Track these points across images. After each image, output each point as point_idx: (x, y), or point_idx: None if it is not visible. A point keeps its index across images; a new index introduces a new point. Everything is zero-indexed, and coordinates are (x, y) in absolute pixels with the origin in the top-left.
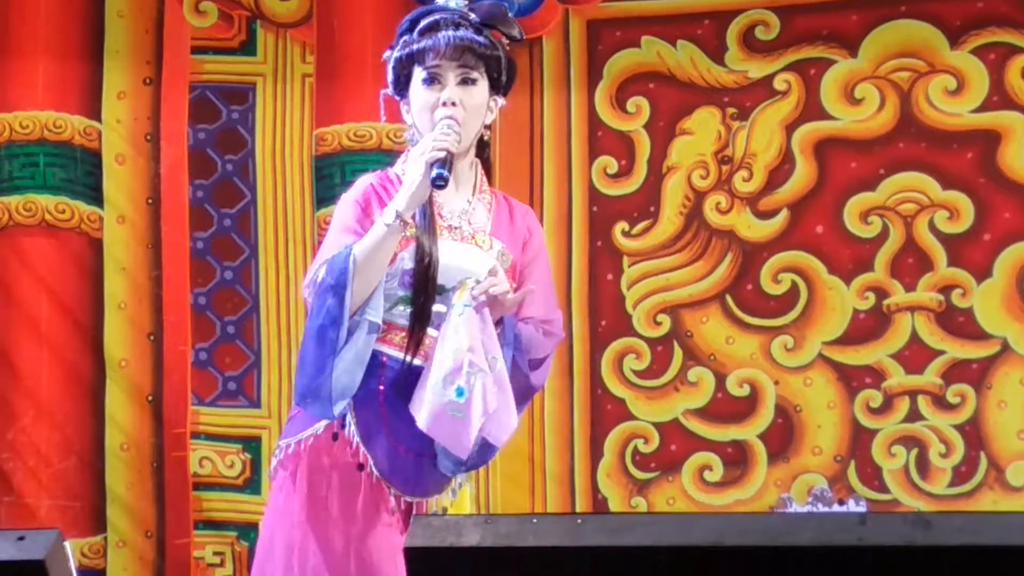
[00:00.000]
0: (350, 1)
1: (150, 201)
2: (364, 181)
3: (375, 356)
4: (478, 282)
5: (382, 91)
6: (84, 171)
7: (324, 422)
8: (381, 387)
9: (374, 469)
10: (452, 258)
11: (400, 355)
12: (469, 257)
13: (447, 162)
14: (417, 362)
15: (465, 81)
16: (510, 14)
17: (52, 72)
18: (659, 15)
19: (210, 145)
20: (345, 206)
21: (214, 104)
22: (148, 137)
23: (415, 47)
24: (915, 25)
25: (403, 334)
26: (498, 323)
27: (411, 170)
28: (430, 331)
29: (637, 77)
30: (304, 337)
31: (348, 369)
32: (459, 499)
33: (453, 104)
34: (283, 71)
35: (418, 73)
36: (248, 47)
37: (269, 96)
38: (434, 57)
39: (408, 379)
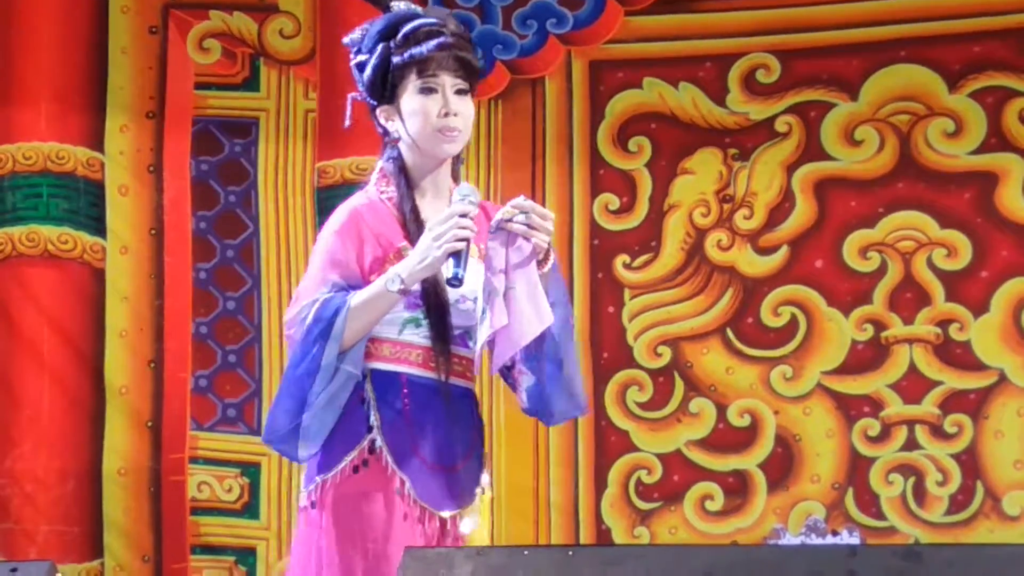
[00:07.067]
0: None
1: (153, 232)
2: (347, 208)
3: (395, 377)
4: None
5: (350, 95)
6: (87, 202)
7: (355, 452)
8: (406, 407)
9: (411, 491)
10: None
11: (418, 371)
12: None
13: (464, 256)
14: (454, 381)
15: (460, 91)
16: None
17: (55, 104)
18: (661, 57)
19: (212, 177)
20: (330, 238)
21: (216, 137)
22: (151, 168)
23: (413, 52)
24: (914, 69)
25: (418, 351)
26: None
27: (424, 243)
28: (455, 349)
29: (639, 117)
30: (283, 380)
31: (318, 415)
32: (482, 503)
33: (455, 115)
34: (286, 107)
35: (414, 81)
36: (251, 83)
37: (272, 130)
38: (435, 67)
39: (430, 394)
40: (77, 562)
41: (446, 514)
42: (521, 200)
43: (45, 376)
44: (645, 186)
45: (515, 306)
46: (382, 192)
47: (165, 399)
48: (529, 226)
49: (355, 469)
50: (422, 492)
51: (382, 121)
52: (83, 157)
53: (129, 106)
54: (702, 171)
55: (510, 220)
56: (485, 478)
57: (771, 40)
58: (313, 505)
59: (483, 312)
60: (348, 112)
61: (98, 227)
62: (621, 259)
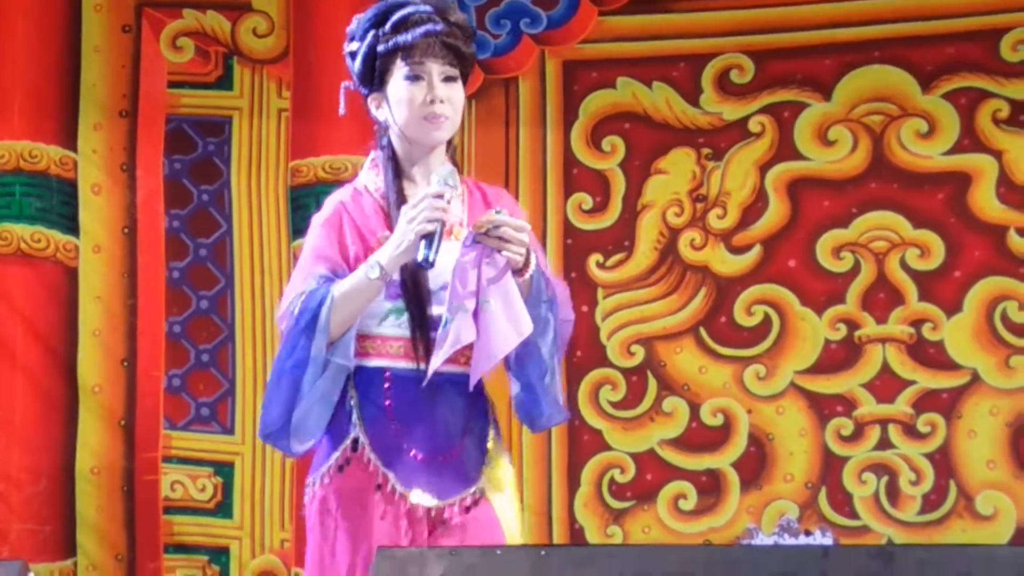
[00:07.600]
0: (327, 39)
1: (126, 230)
2: (334, 200)
3: (377, 373)
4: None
5: (344, 84)
6: (60, 201)
7: (339, 451)
8: (388, 402)
9: (397, 485)
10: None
11: (401, 364)
12: (450, 254)
13: (436, 238)
14: (441, 369)
15: (448, 79)
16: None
17: (28, 102)
18: (635, 57)
19: (186, 175)
20: (316, 230)
21: (190, 136)
22: (124, 167)
23: (399, 40)
24: (888, 70)
25: (399, 343)
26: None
27: (400, 227)
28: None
29: (613, 117)
30: (272, 373)
31: (312, 408)
32: (498, 464)
33: (441, 102)
34: (259, 105)
35: (400, 68)
36: (224, 82)
37: (245, 129)
38: (420, 54)
39: (413, 386)
40: (50, 561)
41: (440, 503)
42: (493, 214)
43: (18, 375)
44: (619, 186)
45: (491, 320)
46: (371, 182)
47: (138, 398)
48: (502, 239)
49: (340, 468)
50: (410, 485)
51: (372, 109)
52: (56, 156)
53: (102, 104)
54: (675, 171)
55: (485, 233)
56: (504, 458)
57: (745, 40)
58: (307, 508)
59: (446, 324)
60: (342, 102)
61: (71, 226)
62: (594, 258)
